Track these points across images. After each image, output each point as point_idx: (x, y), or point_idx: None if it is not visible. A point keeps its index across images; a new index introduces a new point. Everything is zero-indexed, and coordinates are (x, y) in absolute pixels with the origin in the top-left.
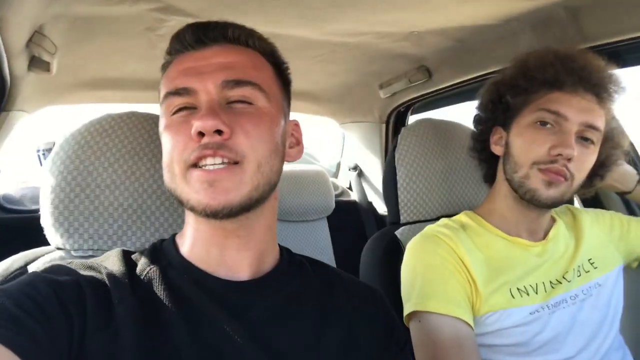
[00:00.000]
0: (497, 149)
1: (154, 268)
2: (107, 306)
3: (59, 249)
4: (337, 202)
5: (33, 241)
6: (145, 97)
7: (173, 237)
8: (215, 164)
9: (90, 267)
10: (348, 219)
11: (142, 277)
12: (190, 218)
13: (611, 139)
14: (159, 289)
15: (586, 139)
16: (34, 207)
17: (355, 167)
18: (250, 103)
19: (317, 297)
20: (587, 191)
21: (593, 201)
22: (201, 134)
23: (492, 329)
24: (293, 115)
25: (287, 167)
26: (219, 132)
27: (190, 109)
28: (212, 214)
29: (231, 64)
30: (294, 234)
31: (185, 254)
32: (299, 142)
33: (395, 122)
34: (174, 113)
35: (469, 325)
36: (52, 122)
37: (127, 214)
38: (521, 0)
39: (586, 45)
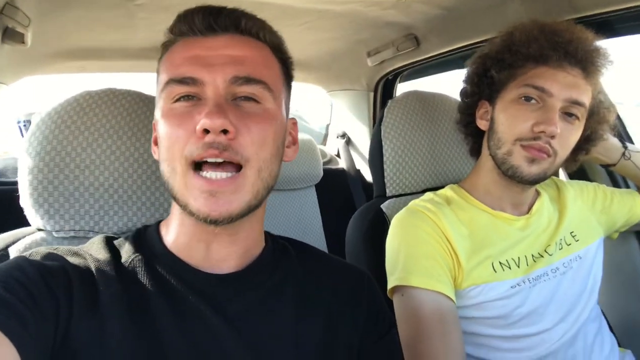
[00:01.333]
0: (482, 124)
1: (138, 257)
2: (93, 293)
3: (40, 230)
4: (325, 170)
5: (18, 212)
6: (125, 66)
7: (157, 225)
8: (217, 171)
9: (76, 254)
10: (336, 187)
11: (126, 266)
12: (177, 211)
13: (597, 114)
14: (143, 278)
15: (570, 115)
16: (16, 178)
17: (344, 135)
18: (257, 102)
19: (299, 288)
20: (571, 165)
21: (578, 173)
22: (206, 131)
23: (474, 302)
24: None
25: None
26: (224, 131)
27: (194, 99)
28: (212, 222)
29: (242, 58)
30: (283, 203)
31: (169, 244)
32: (295, 141)
33: (383, 90)
34: (176, 101)
35: (450, 299)
36: (32, 93)
37: (108, 194)
38: None
39: (576, 15)
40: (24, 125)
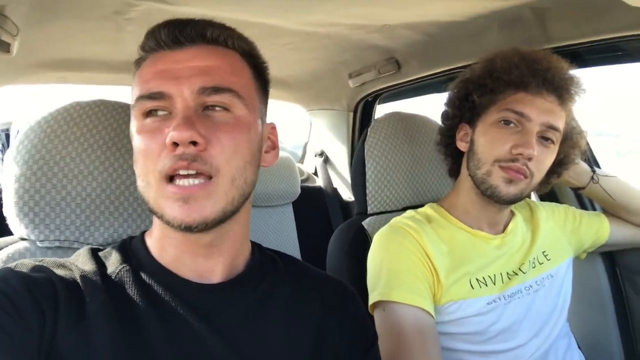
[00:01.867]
0: (462, 145)
1: (125, 267)
2: (80, 305)
3: (23, 239)
4: (302, 188)
5: None
6: (110, 79)
7: (142, 236)
8: (189, 179)
9: (63, 266)
10: (313, 204)
11: (113, 277)
12: (158, 222)
13: (570, 139)
14: (131, 289)
15: (547, 139)
16: None
17: (322, 154)
18: (227, 110)
19: (288, 297)
20: (543, 187)
21: (548, 195)
22: (176, 144)
23: (452, 318)
24: None
25: None
26: (193, 143)
27: (163, 113)
28: (187, 229)
29: (209, 68)
30: (260, 220)
31: (155, 255)
32: (275, 146)
33: (363, 111)
34: (147, 116)
35: (430, 315)
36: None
37: (94, 205)
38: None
39: (550, 46)
40: None
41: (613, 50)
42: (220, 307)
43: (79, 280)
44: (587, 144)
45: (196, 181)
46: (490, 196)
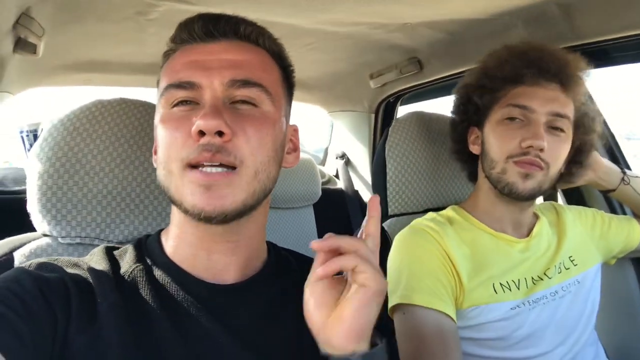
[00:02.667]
0: (474, 148)
1: (139, 267)
2: (91, 305)
3: (45, 235)
4: (323, 190)
5: (15, 222)
6: (133, 81)
7: (158, 234)
8: (213, 167)
9: (76, 265)
10: (334, 207)
11: (126, 277)
12: (176, 219)
13: (582, 125)
14: (144, 289)
15: (556, 128)
16: (16, 187)
17: (343, 156)
18: (255, 105)
19: (302, 300)
20: (569, 180)
21: (576, 199)
22: (201, 133)
23: (475, 323)
24: None
25: None
26: (219, 133)
27: (191, 104)
28: (206, 219)
29: (240, 62)
30: (280, 221)
31: (170, 254)
32: (296, 148)
33: (384, 112)
34: (174, 106)
35: (452, 319)
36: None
37: (115, 202)
38: None
39: (577, 42)
40: (27, 136)
41: None
42: (234, 307)
43: (91, 280)
44: (615, 141)
45: (219, 169)
46: (508, 194)
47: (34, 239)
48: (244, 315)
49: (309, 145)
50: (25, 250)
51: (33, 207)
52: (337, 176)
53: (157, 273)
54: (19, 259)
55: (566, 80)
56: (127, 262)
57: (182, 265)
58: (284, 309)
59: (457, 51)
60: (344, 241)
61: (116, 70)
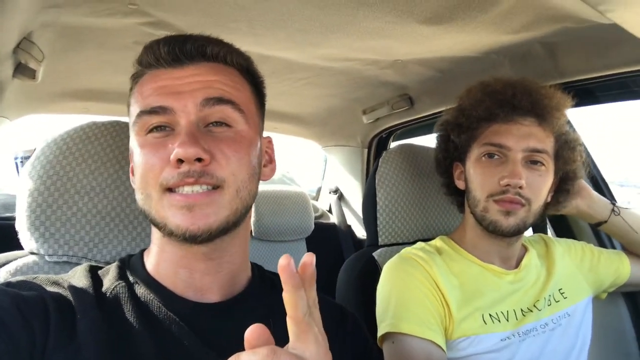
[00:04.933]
0: (460, 184)
1: (121, 284)
2: (71, 323)
3: (32, 253)
4: (316, 224)
5: (3, 247)
6: None
7: (141, 253)
8: (193, 186)
9: (56, 283)
10: (327, 241)
11: (107, 294)
12: (155, 237)
13: (562, 157)
14: (125, 307)
15: (535, 162)
16: (5, 214)
17: (336, 190)
18: (229, 125)
19: (286, 323)
20: (555, 208)
21: (565, 232)
22: (180, 161)
23: (464, 354)
24: (278, 137)
25: (268, 187)
26: (198, 159)
27: (166, 129)
28: (191, 238)
29: (210, 82)
30: (272, 254)
31: (152, 272)
32: (272, 160)
33: (377, 147)
34: (149, 132)
35: (441, 348)
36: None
37: (104, 222)
38: (501, 34)
39: (562, 80)
40: (21, 162)
41: (626, 86)
42: (218, 327)
43: (70, 298)
44: (601, 176)
45: (200, 189)
46: (493, 231)
47: (21, 257)
48: (229, 334)
49: (305, 185)
50: (10, 268)
51: (21, 225)
52: (330, 211)
53: (140, 291)
54: (4, 276)
55: (542, 114)
56: (109, 279)
57: (163, 283)
58: (269, 328)
59: (446, 88)
60: None
61: (114, 99)
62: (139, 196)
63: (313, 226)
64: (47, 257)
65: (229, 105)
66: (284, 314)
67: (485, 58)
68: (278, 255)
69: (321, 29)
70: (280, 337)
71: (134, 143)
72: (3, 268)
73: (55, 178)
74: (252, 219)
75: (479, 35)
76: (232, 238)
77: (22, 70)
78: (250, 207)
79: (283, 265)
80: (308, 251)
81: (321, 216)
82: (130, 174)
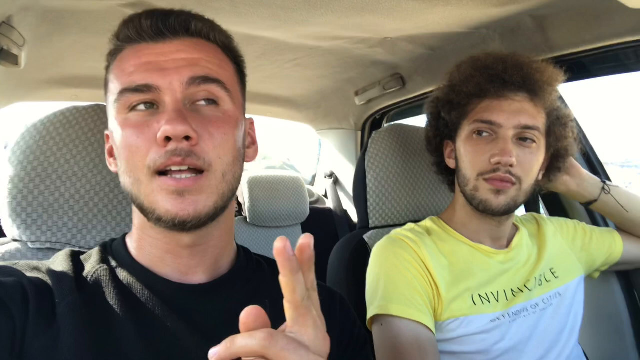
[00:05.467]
0: (450, 162)
1: (103, 267)
2: (50, 308)
3: (15, 240)
4: (311, 209)
5: None
6: None
7: (123, 237)
8: (182, 172)
9: (35, 268)
10: (322, 226)
11: (88, 278)
12: (139, 223)
13: (554, 133)
14: (107, 290)
15: (526, 139)
16: None
17: (331, 175)
18: (216, 104)
19: (272, 301)
20: (546, 185)
21: (558, 211)
22: (167, 139)
23: (454, 335)
24: (271, 121)
25: (263, 172)
26: (186, 137)
27: (150, 107)
28: (180, 224)
29: (196, 60)
30: (267, 240)
31: (136, 256)
32: (254, 141)
33: (371, 129)
34: (131, 110)
35: (429, 329)
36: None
37: (88, 207)
38: (489, 7)
39: (552, 55)
40: None
41: (619, 59)
42: (201, 307)
43: (49, 282)
44: (586, 142)
45: (189, 175)
46: (483, 210)
47: (3, 244)
48: (212, 315)
49: (305, 171)
50: None
51: (3, 212)
52: (326, 195)
53: (122, 274)
54: None
55: (534, 89)
56: (90, 264)
57: (148, 266)
58: (266, 310)
59: (438, 66)
60: (244, 348)
61: (103, 86)
62: (125, 179)
63: (308, 211)
64: (30, 244)
65: (215, 84)
66: (271, 293)
67: (475, 33)
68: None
69: (305, 5)
70: (268, 314)
71: (114, 123)
72: None
73: (36, 164)
74: (247, 204)
75: (467, 8)
76: (218, 222)
77: (4, 56)
78: (236, 190)
79: (279, 247)
80: None
81: (317, 201)
82: (107, 156)
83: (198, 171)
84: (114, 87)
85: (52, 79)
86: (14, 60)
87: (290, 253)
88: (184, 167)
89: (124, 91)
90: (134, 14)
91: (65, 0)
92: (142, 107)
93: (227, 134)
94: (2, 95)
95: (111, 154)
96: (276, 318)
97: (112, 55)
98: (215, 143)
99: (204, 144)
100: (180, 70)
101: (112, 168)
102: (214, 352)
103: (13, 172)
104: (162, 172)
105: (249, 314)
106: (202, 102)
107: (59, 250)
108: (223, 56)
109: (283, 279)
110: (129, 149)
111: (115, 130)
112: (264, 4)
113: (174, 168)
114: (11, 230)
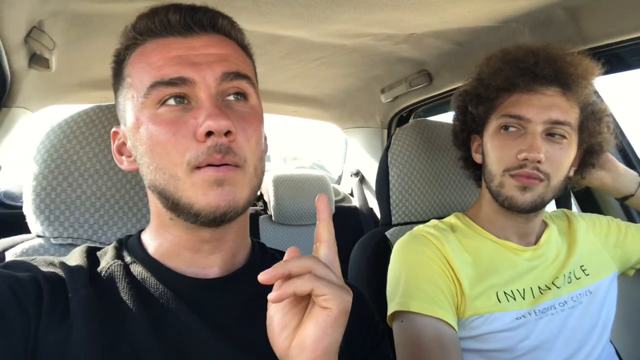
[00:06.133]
0: (477, 157)
1: (117, 263)
2: (64, 303)
3: (39, 236)
4: (337, 208)
5: (19, 234)
6: None
7: (139, 233)
8: (219, 167)
9: (51, 264)
10: (348, 224)
11: (102, 273)
12: (160, 220)
13: (587, 128)
14: (120, 284)
15: (556, 135)
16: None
17: (357, 173)
18: (245, 99)
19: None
20: (579, 182)
21: (591, 206)
22: (209, 134)
23: (477, 333)
24: (302, 121)
25: (288, 171)
26: (227, 132)
27: (178, 102)
28: (221, 217)
29: (225, 56)
30: (292, 238)
31: (152, 252)
32: (265, 137)
33: (397, 127)
34: (161, 105)
35: (452, 327)
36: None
37: (109, 204)
38: None
39: (586, 47)
40: None
41: None
42: (216, 302)
43: (64, 277)
44: (629, 145)
45: (225, 166)
46: (508, 207)
47: (27, 240)
48: (226, 309)
49: (334, 170)
50: (17, 250)
51: (28, 209)
52: (352, 194)
53: (137, 269)
54: (10, 258)
55: (567, 83)
56: (105, 259)
57: (164, 262)
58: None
59: (466, 62)
60: (293, 265)
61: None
62: (158, 176)
63: (334, 209)
64: (52, 240)
65: (245, 80)
66: None
67: (503, 27)
68: (298, 239)
69: (327, 2)
70: None
71: (143, 116)
72: (10, 250)
73: (60, 162)
74: (272, 203)
75: (495, 1)
76: (238, 218)
77: (37, 60)
78: (261, 184)
79: (321, 195)
80: None
81: (343, 199)
82: (116, 154)
83: (234, 166)
84: (139, 81)
85: (82, 81)
86: (45, 64)
87: (327, 202)
88: (222, 164)
89: (156, 84)
90: (155, 7)
91: (93, 4)
92: (172, 101)
93: (258, 130)
94: (36, 98)
95: (120, 152)
96: None
97: (128, 49)
98: (249, 139)
99: (240, 141)
100: (212, 65)
101: (124, 166)
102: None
103: (37, 170)
104: (199, 167)
105: (292, 250)
106: (231, 97)
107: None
108: (243, 52)
109: (321, 224)
110: (163, 146)
111: (143, 124)
112: (286, 2)
113: (214, 164)
114: (35, 226)
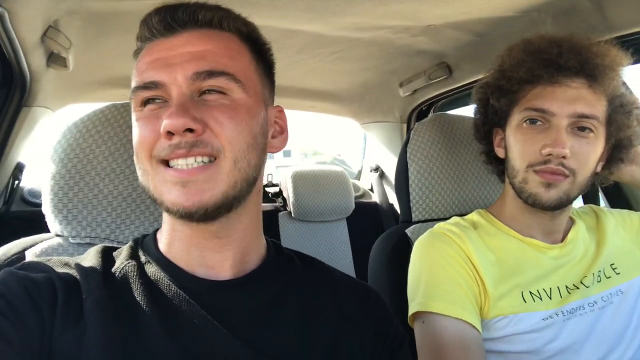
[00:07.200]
0: (500, 152)
1: (131, 263)
2: (77, 302)
3: (57, 235)
4: (357, 204)
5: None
6: None
7: (154, 233)
8: (188, 159)
9: (66, 264)
10: (368, 220)
11: (116, 273)
12: (167, 217)
13: (614, 121)
14: (134, 285)
15: (582, 129)
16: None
17: (377, 168)
18: (223, 93)
19: (303, 299)
20: (606, 178)
21: (620, 202)
22: (171, 133)
23: (502, 334)
24: (323, 117)
25: (308, 167)
26: (190, 130)
27: (160, 101)
28: (187, 216)
29: (202, 53)
30: (312, 234)
31: (164, 251)
32: (283, 131)
33: (417, 121)
34: (144, 105)
35: (475, 328)
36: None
37: (126, 203)
38: None
39: (612, 35)
40: None
41: None
42: (228, 305)
43: (78, 278)
44: None
45: (195, 163)
46: (532, 204)
47: (47, 239)
48: (240, 311)
49: (355, 166)
50: (36, 250)
51: (46, 208)
52: (372, 190)
53: (151, 269)
54: (30, 257)
55: (593, 74)
56: (120, 259)
57: (176, 262)
58: (283, 306)
59: (486, 53)
60: None
61: None
62: (138, 172)
63: (354, 205)
64: (70, 239)
65: (223, 77)
66: (300, 293)
67: (524, 17)
68: (318, 236)
69: None
70: (291, 319)
71: (133, 119)
72: (29, 250)
73: (76, 161)
74: (291, 199)
75: None
76: (238, 215)
77: (54, 59)
78: (254, 180)
79: None
80: (349, 231)
81: (362, 195)
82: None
83: (210, 159)
84: (132, 84)
85: (100, 80)
86: (62, 63)
87: None
88: (190, 160)
89: (135, 89)
90: (148, 13)
91: (107, 2)
92: (155, 101)
93: (235, 119)
94: (55, 97)
95: None
96: (306, 314)
97: (135, 56)
98: (223, 129)
99: (211, 132)
100: (184, 65)
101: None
102: None
103: (55, 170)
104: (168, 164)
105: None
106: (208, 92)
107: (98, 245)
108: (236, 45)
109: None
110: (138, 140)
111: (132, 125)
112: None
113: (180, 161)
114: (54, 225)
